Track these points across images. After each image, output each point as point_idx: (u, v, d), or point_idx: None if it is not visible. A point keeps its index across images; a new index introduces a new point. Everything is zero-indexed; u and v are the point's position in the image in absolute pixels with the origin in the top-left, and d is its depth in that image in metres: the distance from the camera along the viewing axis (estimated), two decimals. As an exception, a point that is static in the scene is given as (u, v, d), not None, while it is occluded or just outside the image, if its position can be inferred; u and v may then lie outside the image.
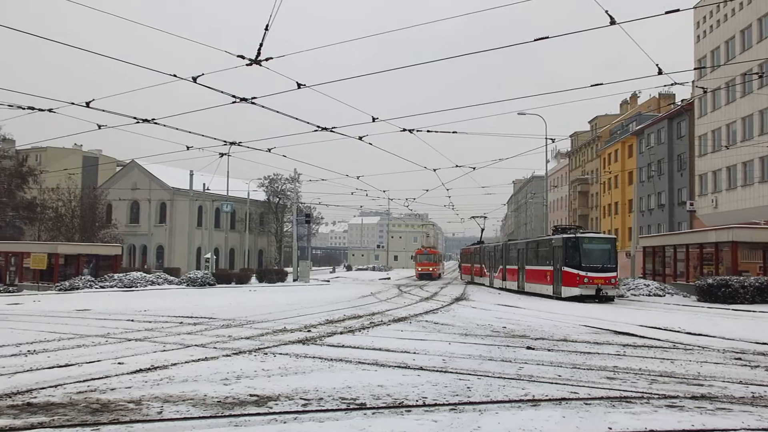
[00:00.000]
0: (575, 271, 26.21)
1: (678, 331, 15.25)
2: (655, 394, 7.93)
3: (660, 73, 16.01)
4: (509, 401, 7.47)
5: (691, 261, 32.60)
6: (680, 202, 51.53)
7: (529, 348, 12.05)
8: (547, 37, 14.25)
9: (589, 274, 25.86)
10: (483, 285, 43.73)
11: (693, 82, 44.18)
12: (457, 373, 9.32)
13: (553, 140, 36.60)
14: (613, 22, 13.57)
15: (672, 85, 18.28)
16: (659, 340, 13.63)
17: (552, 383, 8.55)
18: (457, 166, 31.98)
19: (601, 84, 17.11)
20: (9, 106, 17.54)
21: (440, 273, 63.61)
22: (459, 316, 19.18)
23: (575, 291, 26.21)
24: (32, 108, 17.68)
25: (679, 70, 23.90)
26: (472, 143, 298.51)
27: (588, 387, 8.31)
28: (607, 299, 26.14)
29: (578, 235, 27.42)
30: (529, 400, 7.50)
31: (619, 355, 11.34)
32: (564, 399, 7.59)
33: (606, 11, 13.44)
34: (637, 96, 69.14)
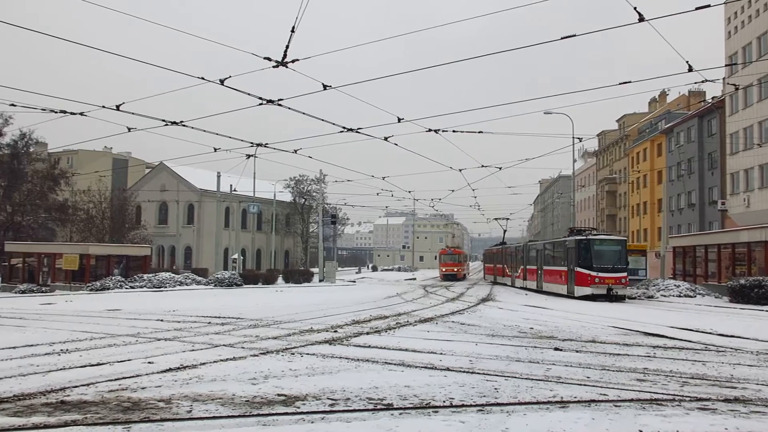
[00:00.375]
0: (587, 272, 27.19)
1: (710, 333, 14.99)
2: (686, 396, 7.80)
3: (690, 70, 15.75)
4: (537, 403, 7.41)
5: (723, 261, 32.00)
6: (711, 202, 50.61)
7: (556, 349, 11.95)
8: (574, 35, 14.12)
9: (600, 274, 26.86)
10: (505, 285, 44.40)
11: (724, 79, 43.37)
12: (484, 374, 9.28)
13: (580, 139, 36.28)
14: (641, 19, 13.38)
15: (703, 82, 17.98)
16: (690, 341, 13.40)
17: (581, 385, 8.46)
18: (483, 166, 31.82)
19: (630, 82, 16.86)
20: (42, 110, 17.91)
21: (465, 274, 61.41)
22: (485, 317, 19.08)
23: (587, 290, 27.09)
24: (64, 112, 18.02)
25: (709, 67, 23.45)
26: (498, 143, 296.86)
27: (617, 389, 8.21)
28: (618, 298, 26.84)
29: (589, 237, 28.30)
30: (557, 402, 7.43)
31: (649, 356, 11.18)
32: (593, 401, 7.50)
33: (635, 8, 13.25)
34: (666, 94, 68.08)
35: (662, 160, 60.07)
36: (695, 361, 10.71)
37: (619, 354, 11.42)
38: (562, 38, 14.31)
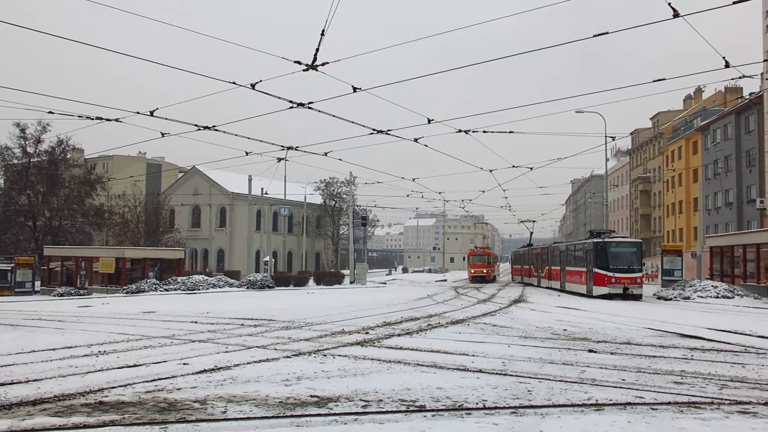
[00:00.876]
0: (604, 272, 28.68)
1: (749, 335, 14.65)
2: (726, 399, 7.64)
3: (727, 66, 15.43)
4: (572, 405, 7.33)
5: (762, 261, 31.22)
6: (749, 200, 49.44)
7: (591, 351, 11.80)
8: (607, 33, 13.94)
9: (616, 274, 28.36)
10: (531, 285, 45.55)
11: (762, 74, 42.35)
12: (517, 376, 9.21)
13: (613, 138, 35.73)
14: (676, 15, 13.14)
15: (740, 78, 17.63)
16: (729, 343, 13.11)
17: (616, 387, 8.34)
18: (513, 166, 31.61)
19: (664, 79, 16.59)
20: (78, 116, 18.32)
21: (495, 275, 59.25)
22: (518, 319, 18.93)
23: (604, 290, 28.54)
24: (100, 118, 18.41)
25: (747, 63, 22.94)
26: (529, 143, 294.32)
27: (654, 391, 8.07)
28: (634, 297, 28.21)
29: (606, 239, 29.92)
30: (592, 405, 7.34)
31: (686, 359, 10.97)
32: (629, 403, 7.39)
33: (669, 3, 13.03)
34: (702, 90, 66.68)
35: (698, 158, 58.91)
36: (734, 363, 10.48)
37: (655, 356, 11.22)
38: (594, 36, 14.14)
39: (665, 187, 67.06)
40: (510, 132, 23.58)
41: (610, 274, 28.42)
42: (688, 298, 28.07)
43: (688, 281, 31.25)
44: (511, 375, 9.28)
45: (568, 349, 12.16)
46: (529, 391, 8.14)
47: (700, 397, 7.76)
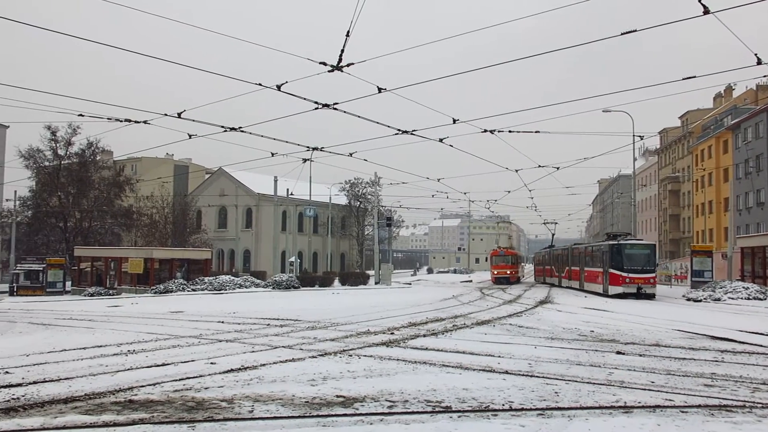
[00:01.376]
0: (619, 273, 29.95)
1: (782, 337, 14.34)
2: (758, 403, 7.49)
3: (759, 63, 15.12)
4: (599, 407, 7.26)
5: (796, 262, 30.55)
6: (782, 200, 48.42)
7: (619, 353, 11.66)
8: (635, 30, 13.76)
9: (631, 275, 29.53)
10: (553, 285, 46.72)
11: (794, 71, 41.45)
12: (543, 377, 9.13)
13: (641, 137, 35.26)
14: (706, 12, 12.91)
15: (771, 75, 17.23)
16: (761, 346, 12.86)
17: (645, 390, 8.23)
18: (539, 166, 31.37)
19: (694, 77, 16.31)
20: (108, 119, 18.61)
21: (519, 276, 56.75)
22: (544, 320, 18.77)
23: (619, 289, 29.81)
24: (129, 120, 18.68)
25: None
26: (555, 143, 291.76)
27: (684, 394, 7.95)
28: (647, 296, 29.31)
29: (620, 241, 31.15)
30: (620, 407, 7.25)
31: (716, 361, 10.79)
32: (658, 406, 7.29)
33: (699, 0, 12.82)
34: (732, 88, 65.44)
35: (728, 158, 57.82)
36: (766, 366, 10.27)
37: (684, 358, 11.05)
38: (622, 34, 13.96)
39: (695, 187, 65.95)
40: (536, 132, 23.42)
41: (624, 274, 29.69)
42: (718, 299, 27.57)
43: (718, 282, 30.70)
44: (537, 376, 9.21)
45: (596, 350, 12.03)
46: (556, 392, 8.07)
47: (732, 400, 7.62)
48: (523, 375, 9.33)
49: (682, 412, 7.04)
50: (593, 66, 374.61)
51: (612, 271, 30.41)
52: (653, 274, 30.22)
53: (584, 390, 8.22)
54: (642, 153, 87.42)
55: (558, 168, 32.17)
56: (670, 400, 7.62)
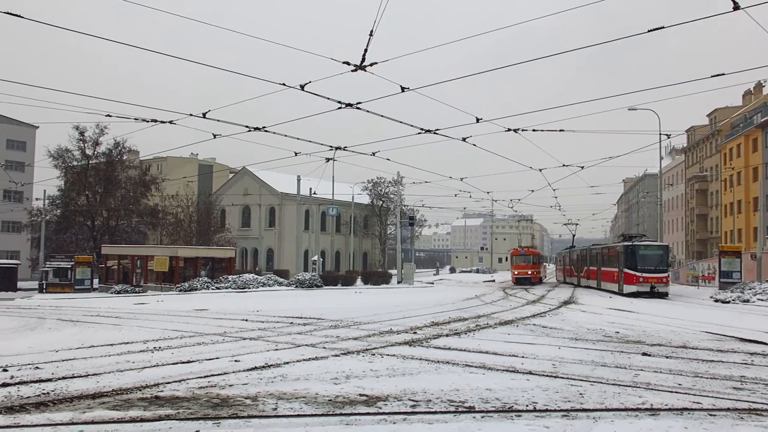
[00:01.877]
0: (633, 272, 31.28)
1: (814, 340, 14.04)
2: (789, 406, 7.35)
3: (789, 60, 14.79)
4: (625, 409, 7.18)
5: (828, 263, 29.90)
6: (813, 199, 47.38)
7: (645, 354, 11.51)
8: (662, 27, 13.55)
9: (644, 274, 30.86)
10: (572, 284, 47.65)
11: (827, 68, 40.52)
12: (568, 378, 9.06)
13: (668, 136, 34.80)
14: (737, 8, 12.66)
15: (803, 72, 16.86)
16: (792, 348, 12.60)
17: (672, 392, 8.12)
18: (564, 165, 31.11)
19: (722, 74, 16.02)
20: (135, 119, 18.86)
21: (541, 277, 54.63)
22: (568, 320, 18.62)
23: (633, 288, 31.10)
24: (155, 120, 18.90)
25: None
26: (579, 141, 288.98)
27: (712, 397, 7.83)
28: (660, 295, 30.56)
29: (635, 243, 32.72)
30: (647, 409, 7.17)
31: (746, 363, 10.60)
32: (686, 409, 7.19)
33: (727, -4, 12.57)
34: (762, 85, 64.16)
35: (758, 156, 56.73)
36: (798, 369, 10.07)
37: (713, 360, 10.88)
38: (649, 31, 13.76)
39: (723, 186, 64.84)
40: (560, 130, 23.20)
41: (638, 273, 31.06)
42: (747, 301, 27.08)
43: (747, 284, 30.15)
44: (561, 377, 9.13)
45: (621, 351, 11.89)
46: (580, 394, 8.00)
47: (762, 404, 7.49)
48: (547, 376, 9.26)
49: (710, 415, 6.93)
50: (619, 64, 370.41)
51: (627, 270, 31.84)
52: (666, 274, 31.54)
53: (610, 391, 8.14)
54: (668, 152, 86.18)
55: (582, 167, 31.88)
56: (698, 402, 7.51)
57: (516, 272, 49.43)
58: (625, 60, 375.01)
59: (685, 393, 8.06)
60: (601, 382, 8.74)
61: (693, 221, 72.69)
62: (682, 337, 14.48)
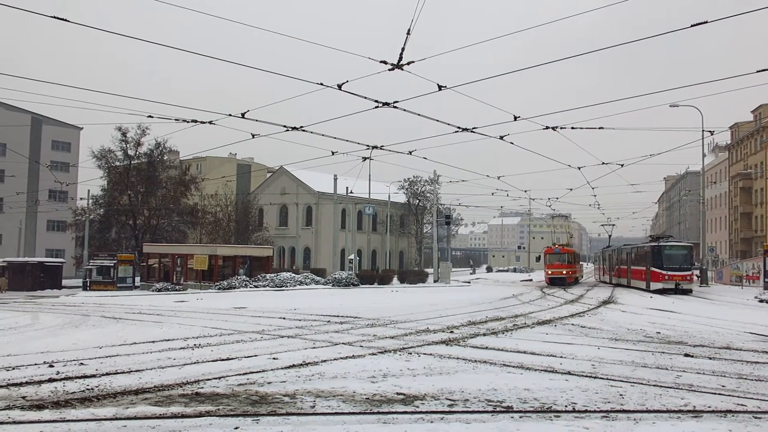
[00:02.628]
0: (659, 270, 33.57)
1: None
2: (839, 410, 7.11)
3: (839, 52, 14.30)
4: (667, 411, 7.04)
5: None
6: None
7: (687, 355, 11.27)
8: (706, 22, 13.24)
9: (669, 272, 33.08)
10: (606, 282, 49.21)
11: None
12: (607, 379, 8.93)
13: (711, 132, 33.83)
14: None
15: None
16: (843, 350, 12.18)
17: (715, 394, 7.94)
18: (603, 163, 30.62)
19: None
20: (175, 119, 19.21)
21: (577, 277, 51.14)
22: (607, 320, 18.33)
23: (659, 285, 33.30)
24: (195, 121, 19.22)
25: None
26: (619, 139, 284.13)
27: (757, 399, 7.63)
28: (684, 291, 32.71)
29: (660, 243, 35.29)
30: (689, 411, 7.02)
31: (793, 366, 10.29)
32: (729, 411, 7.03)
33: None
34: (810, 80, 62.18)
35: (806, 153, 54.97)
36: None
37: (758, 362, 10.59)
38: (692, 26, 13.45)
39: (768, 184, 63.00)
40: (600, 128, 22.81)
41: (664, 272, 33.36)
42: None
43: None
44: (601, 378, 9.01)
45: (662, 352, 11.66)
46: (620, 395, 7.88)
47: (810, 407, 7.26)
48: (586, 376, 9.14)
49: (755, 417, 6.76)
50: (660, 59, 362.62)
51: (653, 269, 34.14)
52: (690, 272, 33.81)
53: (651, 393, 8.00)
54: (711, 149, 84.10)
55: (622, 165, 31.31)
56: (743, 405, 7.33)
57: (550, 272, 45.90)
58: (666, 56, 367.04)
59: (729, 395, 7.87)
60: (642, 383, 8.60)
61: (737, 220, 70.79)
62: (726, 338, 14.12)
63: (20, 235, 62.93)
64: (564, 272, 44.92)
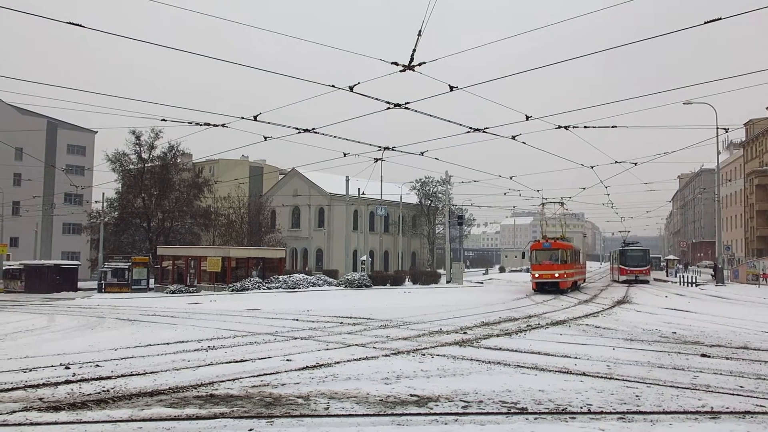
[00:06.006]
0: (624, 267, 47.19)
1: None
2: None
3: None
4: (684, 412, 6.97)
5: None
6: None
7: (703, 356, 11.16)
8: (720, 19, 13.10)
9: (630, 268, 46.57)
10: (615, 281, 51.89)
11: None
12: (623, 380, 8.86)
13: (726, 130, 33.52)
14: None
15: None
16: None
17: (733, 394, 7.85)
18: (616, 162, 30.41)
19: (783, 65, 15.38)
20: (189, 123, 19.29)
21: (576, 280, 39.18)
22: (622, 320, 18.19)
23: (624, 277, 46.72)
24: (208, 124, 19.30)
25: None
26: (632, 137, 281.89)
27: (777, 400, 7.53)
28: (642, 281, 45.61)
29: (623, 248, 49.93)
30: (707, 412, 6.95)
31: (812, 366, 10.15)
32: (748, 412, 6.95)
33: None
34: (826, 76, 61.44)
35: (823, 150, 54.31)
36: None
37: (776, 362, 10.46)
38: (705, 23, 13.32)
39: (785, 181, 62.29)
40: (612, 126, 22.65)
41: (627, 268, 46.73)
42: None
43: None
44: (616, 379, 8.94)
45: (678, 353, 11.56)
46: (636, 396, 7.82)
47: (831, 408, 7.16)
48: (601, 377, 9.08)
49: (775, 419, 6.67)
50: (673, 57, 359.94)
51: (621, 266, 47.75)
52: (645, 268, 46.88)
53: (667, 394, 7.92)
54: (726, 146, 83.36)
55: (636, 163, 31.10)
56: (761, 406, 7.24)
57: (537, 274, 33.94)
58: (679, 53, 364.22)
59: (748, 396, 7.78)
60: (658, 384, 8.52)
61: (753, 218, 70.08)
62: (743, 337, 13.97)
63: (36, 238, 63.52)
64: (556, 275, 33.24)
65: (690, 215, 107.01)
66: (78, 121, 73.79)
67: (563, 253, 34.24)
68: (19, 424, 6.70)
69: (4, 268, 50.88)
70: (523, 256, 57.79)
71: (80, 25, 12.81)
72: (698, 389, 8.19)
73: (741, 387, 8.34)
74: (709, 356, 11.09)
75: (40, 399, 7.90)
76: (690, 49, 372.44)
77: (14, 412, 7.19)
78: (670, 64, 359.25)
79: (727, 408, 7.13)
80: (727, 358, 10.87)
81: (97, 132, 76.26)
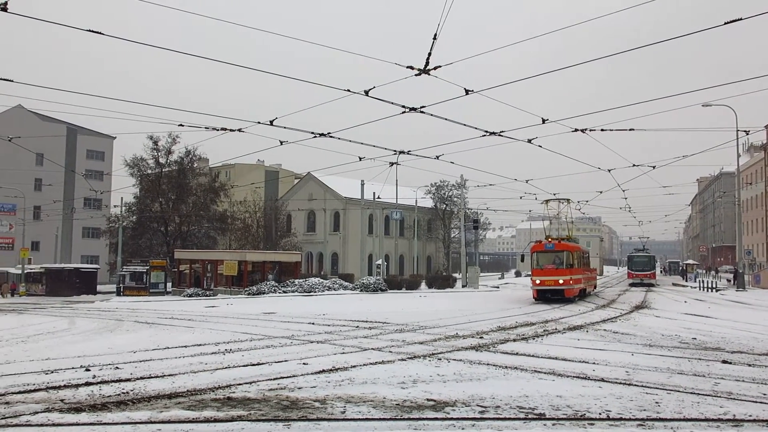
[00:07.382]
0: (632, 271, 52.91)
1: None
2: None
3: None
4: (705, 420, 6.88)
5: None
6: None
7: (725, 362, 11.00)
8: (740, 19, 12.96)
9: (637, 272, 51.90)
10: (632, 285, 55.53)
11: None
12: (642, 386, 8.76)
13: (746, 132, 33.12)
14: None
15: None
16: None
17: (755, 402, 7.74)
18: (634, 165, 30.17)
19: (805, 68, 15.17)
20: (205, 128, 19.45)
21: (584, 287, 33.31)
22: (641, 326, 18.01)
23: (631, 280, 52.02)
24: (224, 129, 19.45)
25: None
26: (650, 140, 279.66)
27: (800, 408, 7.41)
28: (647, 285, 49.02)
29: (631, 254, 55.66)
30: (729, 420, 6.85)
31: (836, 373, 9.98)
32: (771, 420, 6.83)
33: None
34: None
35: None
36: None
37: (799, 369, 10.29)
38: (725, 23, 13.18)
39: (807, 185, 61.44)
40: (630, 129, 22.49)
41: (634, 272, 52.43)
42: None
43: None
44: (636, 385, 8.84)
45: (699, 359, 11.41)
46: (656, 402, 7.73)
47: None
48: (620, 383, 8.99)
49: (799, 427, 6.57)
50: (692, 59, 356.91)
51: (629, 270, 54.08)
52: (650, 272, 51.70)
53: (688, 401, 7.82)
54: (746, 149, 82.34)
55: (654, 167, 30.81)
56: (785, 413, 7.13)
57: (537, 280, 29.40)
58: (698, 54, 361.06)
59: (771, 403, 7.66)
60: (679, 391, 8.42)
61: (774, 222, 69.10)
62: (766, 344, 13.76)
63: (57, 242, 64.32)
64: (560, 281, 28.52)
65: (709, 219, 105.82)
66: (97, 127, 74.74)
67: (569, 256, 29.56)
68: (42, 425, 6.78)
69: (26, 271, 51.52)
70: (522, 259, 43.95)
71: (100, 33, 12.96)
72: (720, 396, 8.08)
73: (764, 394, 8.21)
74: (730, 363, 10.94)
75: (62, 400, 7.99)
76: (709, 50, 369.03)
77: (36, 413, 7.28)
78: (690, 66, 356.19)
79: (750, 416, 7.02)
80: (750, 365, 10.72)
81: (115, 137, 77.16)
